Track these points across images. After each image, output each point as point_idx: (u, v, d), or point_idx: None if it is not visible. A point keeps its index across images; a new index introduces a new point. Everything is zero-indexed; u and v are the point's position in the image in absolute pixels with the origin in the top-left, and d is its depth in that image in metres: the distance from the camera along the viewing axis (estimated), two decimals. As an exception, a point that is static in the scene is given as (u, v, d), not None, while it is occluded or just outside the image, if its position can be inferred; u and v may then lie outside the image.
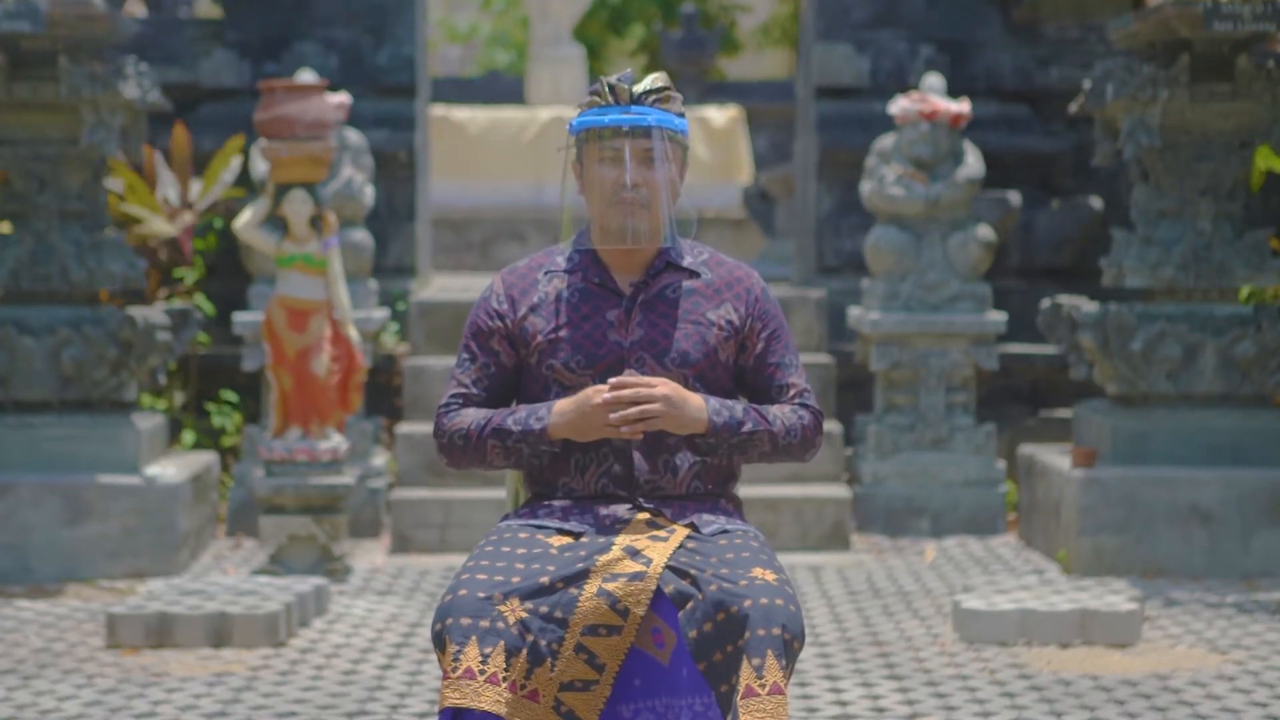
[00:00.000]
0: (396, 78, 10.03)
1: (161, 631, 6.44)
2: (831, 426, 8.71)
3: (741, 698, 3.60)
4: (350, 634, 6.70)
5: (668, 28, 20.39)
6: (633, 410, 3.77)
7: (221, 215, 9.41)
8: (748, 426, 3.88)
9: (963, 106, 8.84)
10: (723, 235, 14.06)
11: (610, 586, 3.71)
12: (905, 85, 9.93)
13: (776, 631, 3.63)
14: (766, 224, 13.23)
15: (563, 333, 3.92)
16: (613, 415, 3.77)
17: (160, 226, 8.88)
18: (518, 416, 3.88)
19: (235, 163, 9.16)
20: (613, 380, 3.79)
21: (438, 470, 8.49)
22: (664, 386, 3.79)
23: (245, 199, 9.35)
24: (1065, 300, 8.32)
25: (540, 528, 3.87)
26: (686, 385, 3.91)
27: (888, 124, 9.36)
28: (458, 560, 8.10)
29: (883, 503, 8.79)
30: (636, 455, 3.89)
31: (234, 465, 8.74)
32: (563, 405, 3.84)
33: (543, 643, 3.67)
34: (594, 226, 3.98)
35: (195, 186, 9.20)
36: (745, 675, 3.62)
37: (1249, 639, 6.57)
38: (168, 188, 9.15)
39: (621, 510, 3.88)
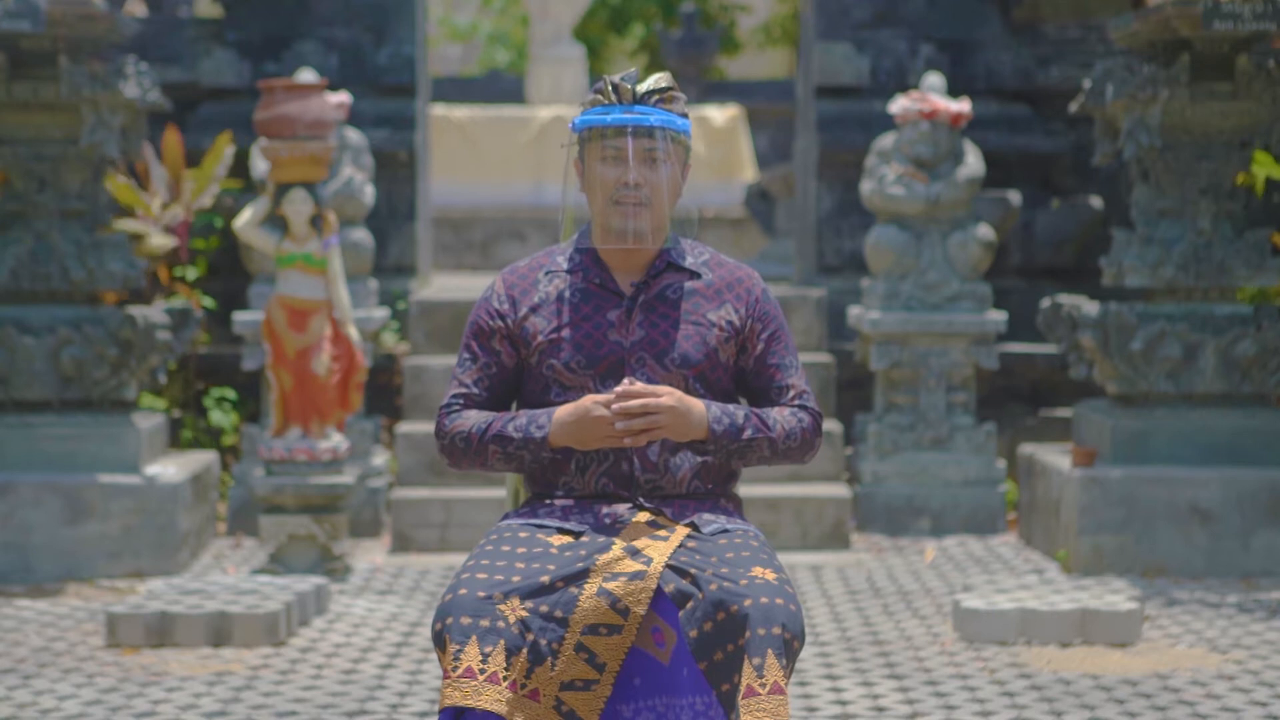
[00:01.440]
0: (396, 77, 10.03)
1: (161, 631, 6.44)
2: (831, 426, 8.71)
3: (742, 697, 3.60)
4: (350, 633, 6.70)
5: (668, 27, 20.41)
6: (638, 421, 3.77)
7: (222, 214, 9.42)
8: (748, 433, 3.88)
9: (963, 106, 8.84)
10: (723, 235, 14.06)
11: (610, 586, 3.71)
12: (905, 85, 9.93)
13: (777, 631, 3.63)
14: (766, 223, 13.23)
15: (564, 333, 3.92)
16: (619, 425, 3.77)
17: (158, 240, 8.88)
18: (518, 423, 3.88)
19: (228, 154, 9.17)
20: (619, 390, 3.78)
21: (438, 470, 8.49)
22: (669, 396, 3.79)
23: (242, 190, 9.36)
24: (1065, 300, 8.32)
25: (540, 527, 3.87)
26: (686, 385, 3.91)
27: (888, 123, 9.37)
28: (458, 560, 8.10)
29: (883, 502, 8.79)
30: (636, 455, 3.90)
31: (234, 465, 8.74)
32: (563, 414, 3.84)
33: (543, 642, 3.67)
34: (595, 226, 3.99)
35: (189, 184, 9.20)
36: (746, 675, 3.62)
37: (1249, 639, 6.57)
38: (160, 184, 9.16)
39: (622, 509, 3.88)
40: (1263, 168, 8.08)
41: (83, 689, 5.88)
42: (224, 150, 9.15)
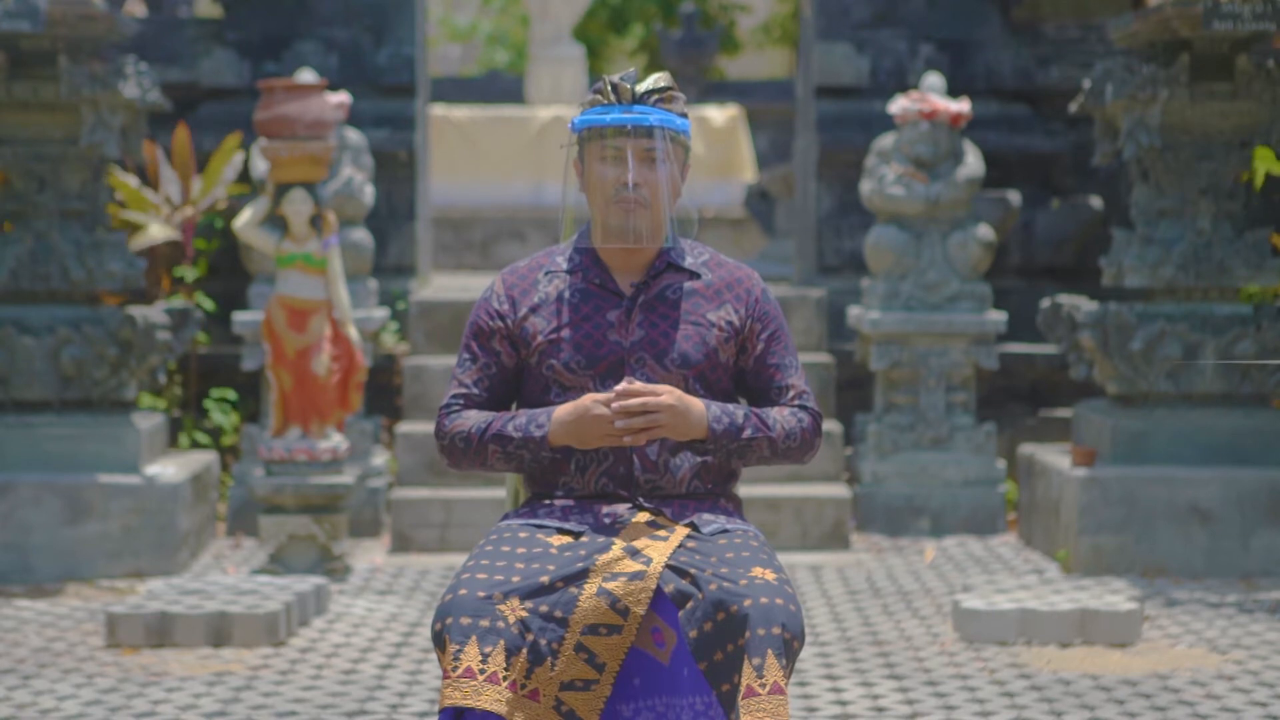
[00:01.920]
0: (396, 77, 10.03)
1: (161, 631, 6.44)
2: (831, 426, 8.71)
3: (742, 697, 3.60)
4: (350, 633, 6.70)
5: (668, 27, 20.40)
6: (638, 420, 3.77)
7: (222, 215, 9.42)
8: (747, 433, 3.88)
9: (962, 106, 8.84)
10: (723, 235, 14.06)
11: (610, 586, 3.71)
12: (905, 85, 9.93)
13: (776, 631, 3.63)
14: (766, 224, 13.23)
15: (563, 333, 3.92)
16: (618, 424, 3.77)
17: (158, 230, 8.88)
18: (518, 423, 3.88)
19: (237, 159, 9.17)
20: (619, 388, 3.78)
21: (438, 470, 8.49)
22: (668, 395, 3.79)
23: (247, 195, 9.36)
24: (1065, 300, 8.32)
25: (540, 527, 3.87)
26: (686, 386, 3.91)
27: (888, 123, 9.37)
28: (458, 560, 8.10)
29: (883, 502, 8.79)
30: (636, 455, 3.90)
31: (234, 465, 8.74)
32: (562, 413, 3.84)
33: (543, 642, 3.67)
34: (595, 225, 3.98)
35: (197, 185, 9.20)
36: (746, 675, 3.61)
37: (1249, 639, 6.57)
38: (170, 185, 9.16)
39: (621, 510, 3.88)
40: (1263, 163, 8.08)
41: (82, 689, 5.88)
42: (232, 152, 9.15)
